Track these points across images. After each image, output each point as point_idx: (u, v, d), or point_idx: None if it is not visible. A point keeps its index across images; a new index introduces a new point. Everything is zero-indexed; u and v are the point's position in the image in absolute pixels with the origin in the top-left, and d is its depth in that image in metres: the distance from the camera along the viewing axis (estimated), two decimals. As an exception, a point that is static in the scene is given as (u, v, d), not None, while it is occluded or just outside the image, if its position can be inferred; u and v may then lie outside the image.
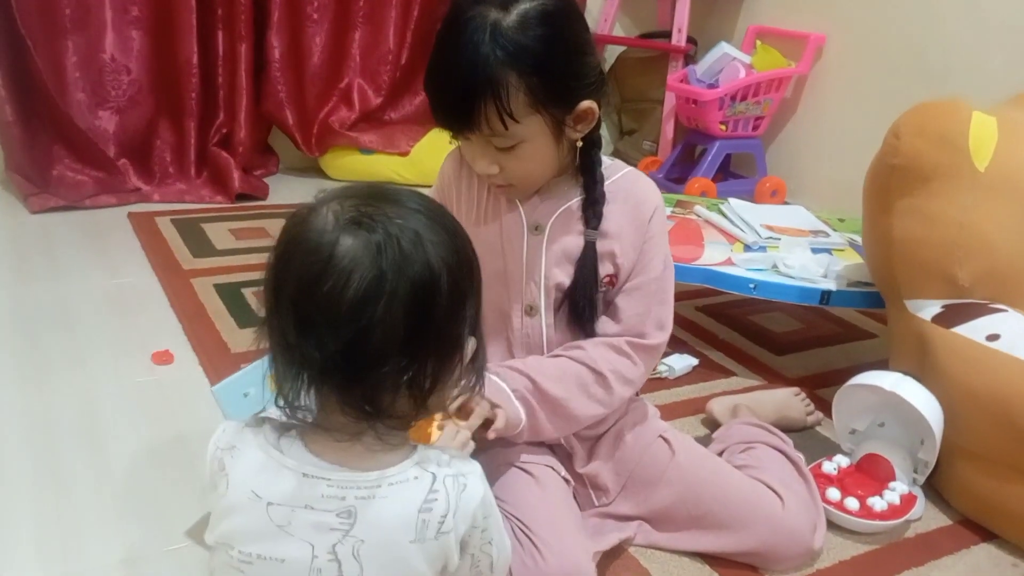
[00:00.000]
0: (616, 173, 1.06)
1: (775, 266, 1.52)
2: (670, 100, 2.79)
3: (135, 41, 2.18)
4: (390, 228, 0.66)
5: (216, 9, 2.21)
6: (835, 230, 1.79)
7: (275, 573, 0.68)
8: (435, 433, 0.91)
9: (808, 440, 1.38)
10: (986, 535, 1.19)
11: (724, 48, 2.58)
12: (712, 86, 2.57)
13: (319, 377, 0.66)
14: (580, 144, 1.02)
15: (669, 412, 1.45)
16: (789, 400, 1.43)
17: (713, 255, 1.58)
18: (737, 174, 2.80)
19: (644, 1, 2.98)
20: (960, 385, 1.16)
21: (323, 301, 0.64)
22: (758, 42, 2.65)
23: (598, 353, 1.03)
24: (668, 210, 1.85)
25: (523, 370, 1.01)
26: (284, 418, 0.70)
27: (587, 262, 1.02)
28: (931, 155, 1.21)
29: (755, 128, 2.67)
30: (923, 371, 1.23)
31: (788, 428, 1.40)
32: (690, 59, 2.82)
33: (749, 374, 1.60)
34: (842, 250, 1.67)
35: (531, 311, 1.07)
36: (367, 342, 0.64)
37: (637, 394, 1.18)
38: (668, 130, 2.85)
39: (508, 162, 0.96)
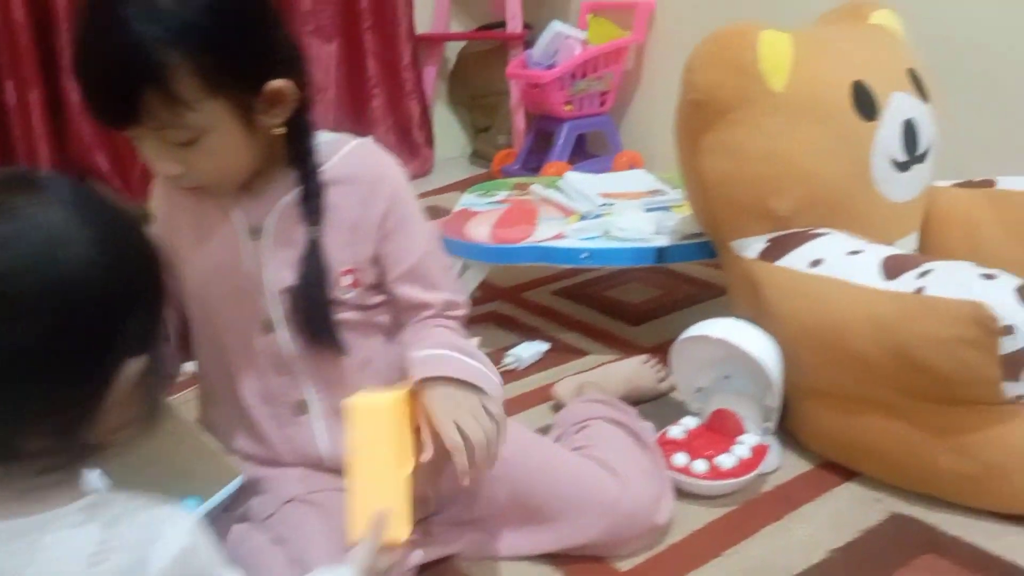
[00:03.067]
0: (340, 151, 0.92)
1: (607, 232, 1.44)
2: (515, 89, 2.72)
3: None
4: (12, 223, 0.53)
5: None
6: (675, 187, 1.72)
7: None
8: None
9: (663, 407, 1.29)
10: (848, 474, 1.12)
11: (556, 27, 2.51)
12: (551, 68, 2.50)
13: None
14: (284, 131, 0.87)
15: (519, 404, 1.34)
16: (638, 369, 1.33)
17: (545, 231, 1.49)
18: (593, 154, 2.73)
19: (475, -6, 2.90)
20: (790, 320, 1.09)
21: None
22: (590, 16, 2.60)
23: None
24: (503, 193, 1.76)
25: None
26: None
27: (311, 262, 0.88)
28: (725, 84, 1.13)
29: (602, 104, 2.61)
30: (758, 313, 1.16)
31: (641, 398, 1.31)
32: (529, 45, 2.75)
33: (604, 350, 1.51)
34: (680, 206, 1.59)
35: (267, 327, 0.92)
36: None
37: None
38: (519, 120, 2.77)
39: (192, 158, 0.82)
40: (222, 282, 0.92)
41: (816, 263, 1.08)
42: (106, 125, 0.82)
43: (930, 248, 1.30)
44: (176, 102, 0.77)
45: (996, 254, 1.27)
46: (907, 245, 1.26)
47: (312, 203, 0.89)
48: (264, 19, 0.84)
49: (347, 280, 0.91)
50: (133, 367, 0.58)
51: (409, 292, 0.94)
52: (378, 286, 0.94)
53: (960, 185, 1.38)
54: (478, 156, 2.98)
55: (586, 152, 2.74)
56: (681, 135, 1.22)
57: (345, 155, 0.92)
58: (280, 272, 0.90)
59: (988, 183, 1.37)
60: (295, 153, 0.89)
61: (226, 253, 0.91)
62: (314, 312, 0.89)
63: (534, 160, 2.66)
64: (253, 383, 0.94)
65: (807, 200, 1.15)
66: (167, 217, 0.95)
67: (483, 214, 1.61)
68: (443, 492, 0.97)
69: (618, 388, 1.27)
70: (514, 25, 2.72)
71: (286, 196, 0.90)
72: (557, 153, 2.52)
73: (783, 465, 1.15)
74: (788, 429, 1.18)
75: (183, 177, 0.84)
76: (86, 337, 0.55)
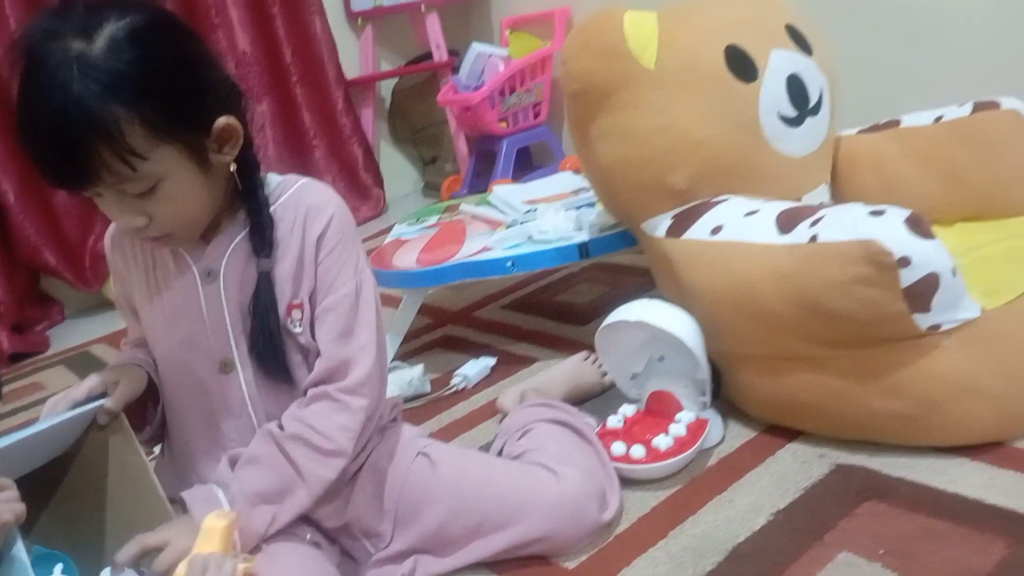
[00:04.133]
0: (288, 190, 0.95)
1: (530, 237, 1.43)
2: (451, 116, 2.74)
3: None
4: None
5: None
6: (601, 183, 1.72)
7: None
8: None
9: (607, 400, 1.28)
10: (791, 435, 1.10)
11: (477, 48, 2.54)
12: (480, 88, 2.52)
13: None
14: (234, 168, 0.90)
15: (468, 423, 1.34)
16: (578, 368, 1.32)
17: (471, 247, 1.49)
18: (539, 165, 2.74)
19: (399, 29, 2.93)
20: (702, 290, 1.08)
21: None
22: (509, 32, 2.62)
23: (300, 419, 0.90)
24: (434, 218, 1.76)
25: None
26: None
27: (261, 295, 0.91)
28: (600, 70, 1.14)
29: (536, 116, 2.63)
30: (676, 290, 1.15)
31: (588, 395, 1.30)
32: (456, 71, 2.77)
33: (553, 354, 1.50)
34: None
35: (226, 367, 0.94)
36: None
37: (395, 419, 1.06)
38: (461, 145, 2.79)
39: (154, 208, 0.84)
40: (181, 327, 0.94)
41: (716, 230, 1.08)
42: (63, 188, 0.83)
43: (844, 197, 1.30)
44: (128, 154, 0.79)
45: (910, 191, 1.27)
46: (817, 198, 1.25)
47: (264, 235, 0.91)
48: (199, 61, 0.86)
49: (296, 315, 0.92)
50: None
51: (319, 333, 0.93)
52: None
53: (866, 131, 1.38)
54: (430, 188, 3.00)
55: (533, 165, 2.75)
56: (572, 128, 1.22)
57: (292, 193, 0.95)
58: (236, 313, 0.92)
59: (893, 123, 1.36)
60: (246, 189, 0.92)
61: (183, 299, 0.93)
62: (267, 346, 0.91)
63: (481, 183, 2.67)
64: (203, 427, 0.95)
65: (702, 170, 1.15)
66: (122, 272, 0.98)
67: (412, 241, 1.61)
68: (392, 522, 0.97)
69: (560, 389, 1.26)
70: (439, 54, 2.75)
71: (237, 237, 0.92)
72: (500, 171, 2.53)
73: (728, 436, 1.14)
74: (730, 400, 1.17)
75: (148, 228, 0.86)
76: None
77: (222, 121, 0.86)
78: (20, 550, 0.79)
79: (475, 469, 1.01)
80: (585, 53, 1.15)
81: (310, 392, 0.92)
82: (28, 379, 1.99)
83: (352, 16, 2.86)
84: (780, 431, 1.11)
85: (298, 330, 0.93)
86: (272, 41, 2.67)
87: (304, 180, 0.97)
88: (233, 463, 0.91)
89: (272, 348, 0.92)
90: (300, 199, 0.95)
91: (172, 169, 0.83)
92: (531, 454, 1.03)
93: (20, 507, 0.79)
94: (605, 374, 1.32)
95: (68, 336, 2.25)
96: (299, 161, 2.75)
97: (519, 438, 1.09)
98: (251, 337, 0.93)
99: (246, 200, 0.93)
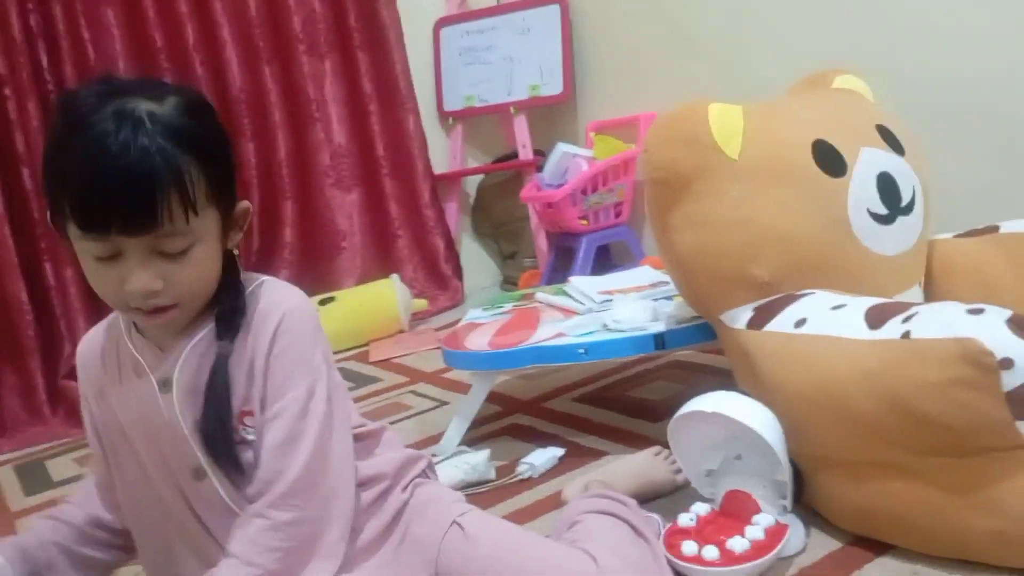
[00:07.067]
0: (249, 286, 0.94)
1: (605, 325, 1.41)
2: (532, 212, 2.78)
3: (-42, 292, 2.13)
4: None
5: (38, 242, 2.18)
6: (681, 279, 1.70)
7: None
8: None
9: (682, 499, 1.22)
10: (880, 548, 1.02)
11: (562, 148, 2.59)
12: (562, 187, 2.56)
13: None
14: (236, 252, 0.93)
15: (532, 512, 1.29)
16: (648, 462, 1.27)
17: (544, 333, 1.47)
18: (618, 264, 2.74)
19: (488, 129, 3.04)
20: (783, 385, 1.03)
21: None
22: (594, 134, 2.67)
23: (229, 552, 0.86)
24: (509, 304, 1.76)
25: None
26: None
27: (216, 381, 0.88)
28: (682, 158, 1.14)
29: (618, 215, 2.64)
30: (756, 385, 1.10)
31: (656, 493, 1.24)
32: (541, 170, 2.83)
33: (623, 449, 1.45)
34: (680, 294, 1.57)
35: (198, 474, 0.91)
36: None
37: (427, 474, 1.03)
38: (541, 241, 2.82)
39: (177, 271, 0.84)
40: (147, 435, 0.92)
41: (800, 323, 1.04)
42: (119, 232, 0.80)
43: (939, 300, 1.24)
44: (190, 205, 0.82)
45: (1010, 297, 1.20)
46: (909, 299, 1.20)
47: (231, 319, 0.89)
48: (228, 138, 0.90)
49: (249, 421, 0.89)
50: None
51: (264, 441, 0.88)
52: None
53: (962, 235, 1.33)
54: (508, 282, 3.02)
55: (612, 264, 2.75)
56: (651, 217, 1.22)
57: (251, 292, 0.93)
58: (192, 420, 0.90)
59: (992, 228, 1.31)
60: (228, 270, 0.91)
61: (146, 407, 0.92)
62: (217, 438, 0.87)
63: (559, 278, 2.67)
64: (177, 535, 0.93)
65: (787, 262, 1.12)
66: (93, 380, 0.97)
67: (485, 325, 1.61)
68: None
69: (627, 483, 1.21)
70: (525, 153, 2.82)
71: (189, 344, 0.91)
72: (579, 267, 2.53)
73: (810, 546, 1.06)
74: (812, 506, 1.10)
75: (160, 294, 0.84)
76: None
77: (244, 204, 0.91)
78: None
79: (510, 545, 0.96)
80: (669, 141, 1.15)
81: (247, 510, 0.88)
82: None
83: (444, 115, 2.98)
84: (868, 543, 1.03)
85: (251, 438, 0.89)
86: (366, 135, 2.79)
87: (261, 279, 0.94)
88: None
89: (223, 442, 0.88)
90: (259, 298, 0.92)
91: (207, 234, 0.85)
92: (576, 544, 0.98)
93: None
94: (679, 471, 1.26)
95: None
96: (383, 250, 2.83)
97: (568, 528, 1.05)
98: (202, 430, 0.88)
99: (227, 283, 0.91)
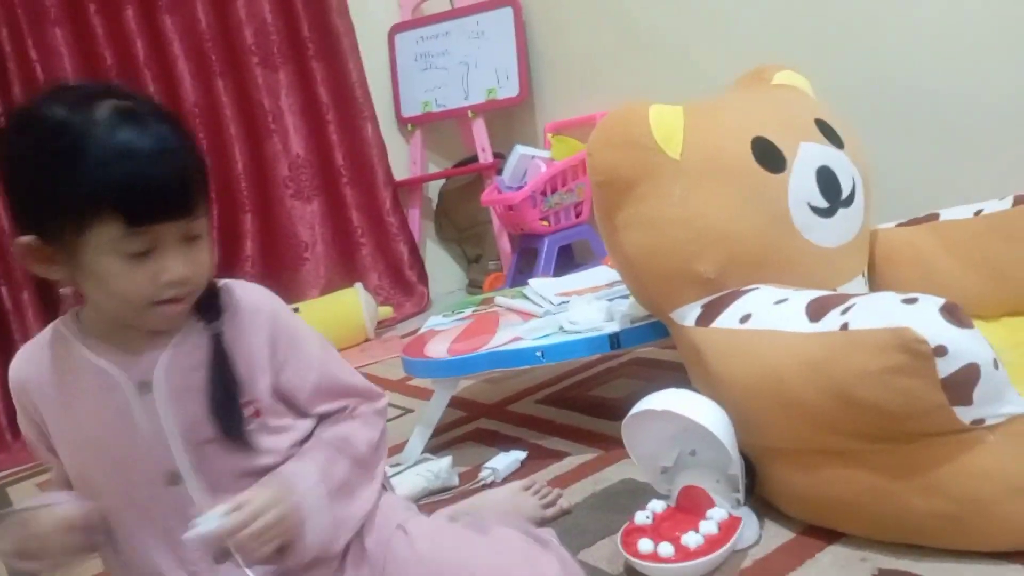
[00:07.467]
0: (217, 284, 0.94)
1: (561, 327, 1.43)
2: (494, 215, 2.79)
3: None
4: None
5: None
6: (638, 277, 1.72)
7: None
8: None
9: (639, 496, 1.23)
10: (832, 536, 1.04)
11: (520, 150, 2.60)
12: (522, 188, 2.57)
13: None
14: None
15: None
16: (516, 496, 1.24)
17: (502, 337, 1.48)
18: (580, 263, 2.76)
19: (447, 133, 3.04)
20: (731, 380, 1.05)
21: None
22: (551, 136, 2.69)
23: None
24: (469, 310, 1.77)
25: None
26: None
27: (218, 361, 0.88)
28: (624, 160, 1.15)
29: (578, 215, 2.66)
30: (707, 380, 1.12)
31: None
32: (500, 173, 2.85)
33: (584, 449, 1.47)
34: (637, 293, 1.58)
35: (173, 479, 0.89)
36: None
37: (384, 486, 1.03)
38: (504, 244, 2.83)
39: (197, 257, 0.85)
40: (113, 444, 0.89)
41: (746, 318, 1.06)
42: (164, 218, 0.82)
43: (882, 290, 1.26)
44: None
45: (951, 285, 1.24)
46: (853, 290, 1.22)
47: (214, 301, 0.90)
48: None
49: (248, 411, 0.90)
50: None
51: (321, 407, 0.96)
52: (280, 414, 0.93)
53: (904, 224, 1.36)
54: (473, 286, 3.03)
55: (575, 263, 2.77)
56: (599, 219, 1.23)
57: (223, 287, 0.93)
58: (181, 417, 0.89)
59: (932, 217, 1.34)
60: None
61: (113, 414, 0.89)
62: (230, 418, 0.88)
63: (523, 280, 2.67)
64: (160, 544, 0.91)
65: (731, 259, 1.14)
66: (48, 398, 0.92)
67: (444, 332, 1.61)
68: None
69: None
70: (485, 156, 2.83)
71: (169, 343, 0.89)
72: (541, 268, 2.55)
73: (764, 537, 1.08)
74: (765, 498, 1.12)
75: (186, 283, 0.84)
76: None
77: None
78: None
79: (448, 544, 0.95)
80: (610, 145, 1.17)
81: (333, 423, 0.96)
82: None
83: (402, 121, 2.98)
84: (820, 532, 1.05)
85: (251, 426, 0.90)
86: (325, 145, 2.78)
87: (226, 280, 0.95)
88: None
89: (234, 419, 0.88)
90: (228, 291, 0.92)
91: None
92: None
93: None
94: (548, 505, 1.24)
95: None
96: (346, 259, 2.82)
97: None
98: (213, 412, 0.88)
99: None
